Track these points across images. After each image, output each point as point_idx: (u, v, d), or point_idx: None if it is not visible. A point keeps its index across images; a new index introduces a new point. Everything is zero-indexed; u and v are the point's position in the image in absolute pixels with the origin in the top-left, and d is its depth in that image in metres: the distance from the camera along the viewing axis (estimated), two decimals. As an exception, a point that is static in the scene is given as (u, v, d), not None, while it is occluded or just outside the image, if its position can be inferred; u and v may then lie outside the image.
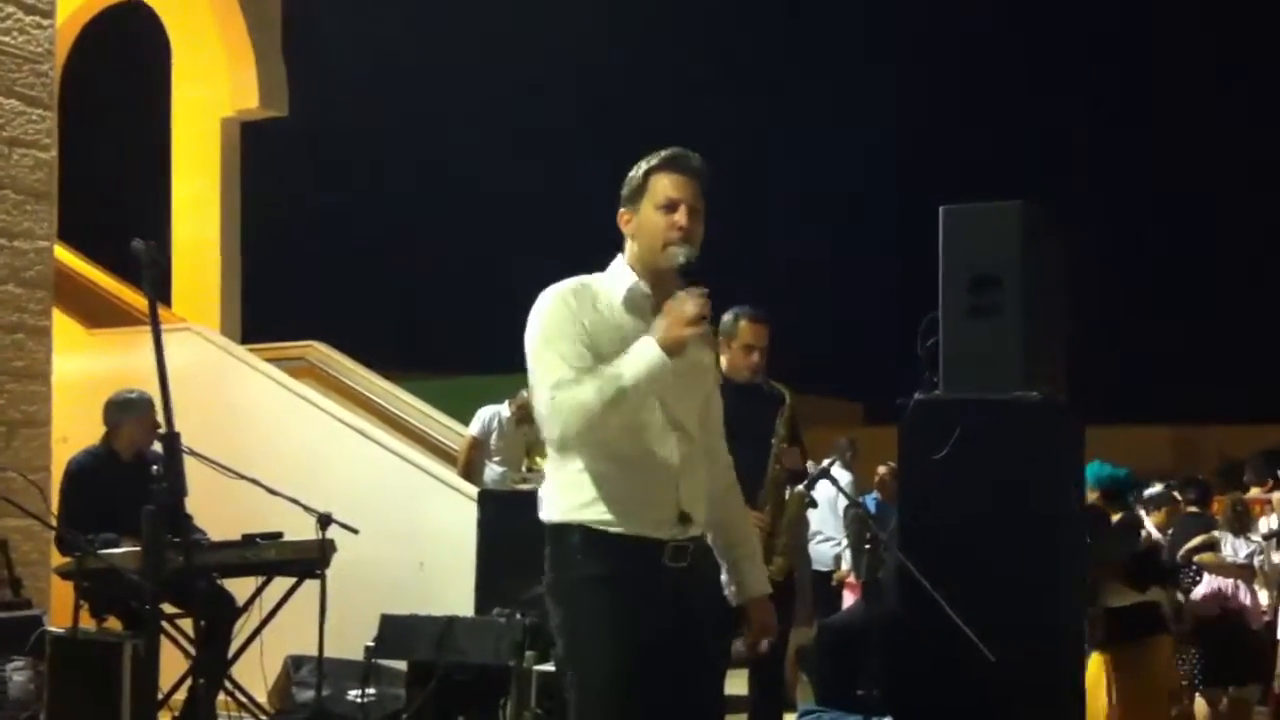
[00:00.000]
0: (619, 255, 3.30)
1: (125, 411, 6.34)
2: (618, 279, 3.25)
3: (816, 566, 9.34)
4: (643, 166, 3.26)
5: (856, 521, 7.23)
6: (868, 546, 5.20)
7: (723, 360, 5.28)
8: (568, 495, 3.17)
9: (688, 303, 3.07)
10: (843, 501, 9.20)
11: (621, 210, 3.27)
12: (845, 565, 9.06)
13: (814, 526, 8.84)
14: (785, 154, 21.66)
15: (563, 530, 3.16)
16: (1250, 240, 26.96)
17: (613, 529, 3.11)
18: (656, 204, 3.20)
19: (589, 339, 3.13)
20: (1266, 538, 8.10)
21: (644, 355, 3.05)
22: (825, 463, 6.40)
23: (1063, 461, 5.13)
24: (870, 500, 9.47)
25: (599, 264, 3.33)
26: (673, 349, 3.05)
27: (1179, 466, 13.26)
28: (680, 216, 3.18)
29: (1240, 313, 26.87)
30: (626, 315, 3.21)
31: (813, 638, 6.67)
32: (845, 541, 8.82)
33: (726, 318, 5.31)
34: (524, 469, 9.31)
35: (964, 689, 4.68)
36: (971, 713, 4.78)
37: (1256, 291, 26.37)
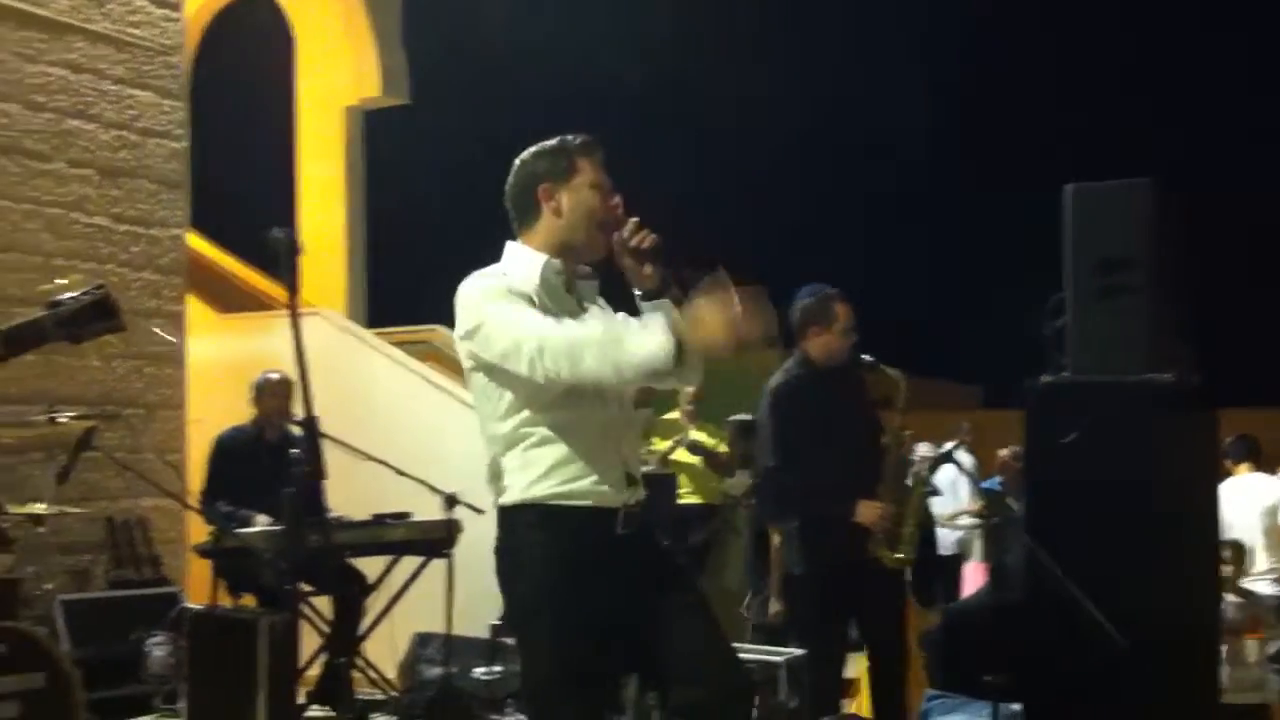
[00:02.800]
0: (513, 244, 3.27)
1: (269, 392, 6.54)
2: (521, 263, 3.22)
3: (939, 551, 9.27)
4: (561, 145, 3.23)
5: (984, 506, 7.16)
6: (995, 531, 5.14)
7: (815, 345, 5.17)
8: (518, 476, 3.17)
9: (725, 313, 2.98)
10: (964, 485, 9.12)
11: (543, 184, 3.22)
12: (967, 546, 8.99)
13: (935, 510, 8.77)
14: (902, 133, 21.40)
15: (517, 511, 3.17)
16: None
17: (567, 502, 3.12)
18: (589, 184, 3.20)
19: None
20: None
21: (653, 324, 3.01)
22: (948, 446, 6.33)
23: (1195, 445, 5.00)
24: (993, 484, 9.36)
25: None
26: (692, 347, 3.01)
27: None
28: (614, 199, 3.19)
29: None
30: (546, 299, 3.18)
31: (936, 623, 6.61)
32: (967, 525, 8.73)
33: (813, 303, 5.17)
34: (643, 449, 9.37)
35: (1094, 676, 4.61)
36: (1101, 701, 4.71)
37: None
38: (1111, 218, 5.00)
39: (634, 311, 3.19)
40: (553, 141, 3.27)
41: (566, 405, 3.13)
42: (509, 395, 3.18)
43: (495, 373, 3.18)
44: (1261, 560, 7.30)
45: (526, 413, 3.16)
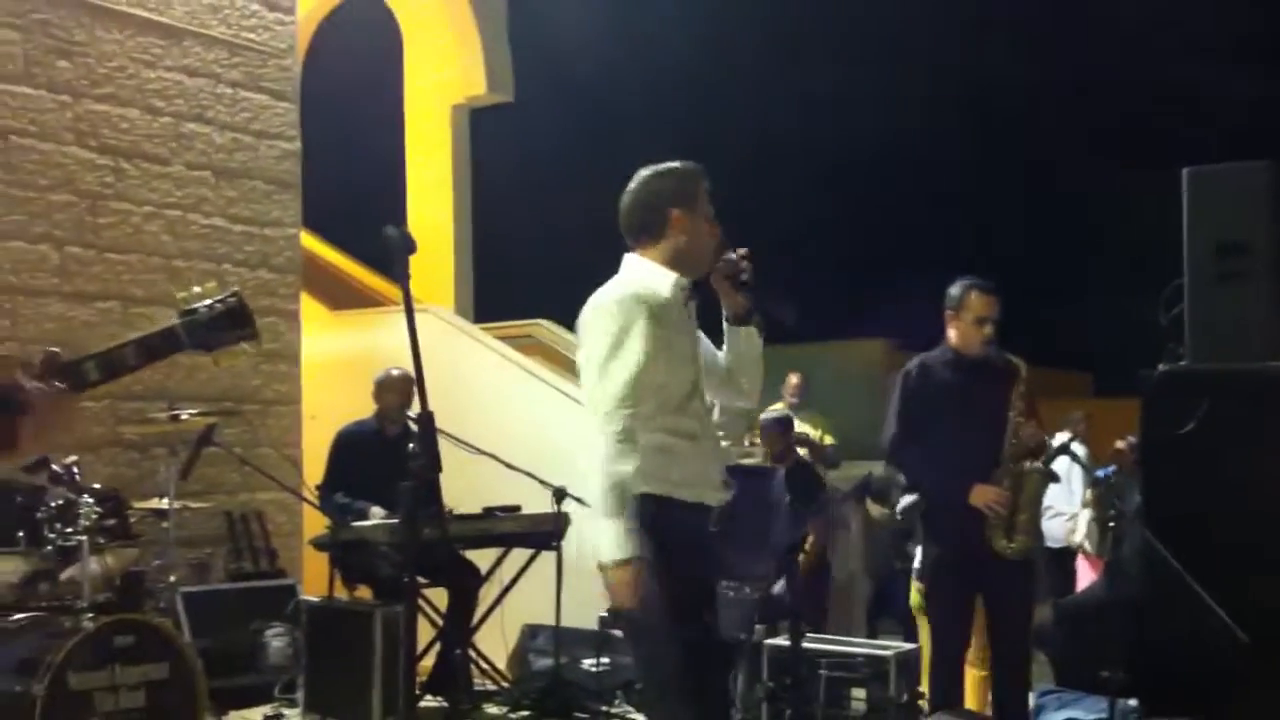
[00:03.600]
0: (635, 256, 3.42)
1: (389, 388, 6.65)
2: (653, 280, 3.37)
3: (1049, 543, 9.11)
4: (687, 170, 3.41)
5: (1099, 498, 7.03)
6: (1110, 524, 5.04)
7: (952, 334, 5.23)
8: (631, 466, 3.27)
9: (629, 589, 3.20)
10: (1078, 477, 8.96)
11: (676, 210, 3.37)
12: (1079, 539, 8.82)
13: (1046, 502, 8.63)
14: (1010, 119, 21.08)
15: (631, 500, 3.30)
16: None
17: (674, 494, 3.30)
18: (707, 216, 3.40)
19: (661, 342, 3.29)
20: None
21: (614, 541, 3.20)
22: (1063, 437, 6.23)
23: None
24: (1106, 474, 9.17)
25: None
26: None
27: None
28: (717, 232, 3.42)
29: None
30: (678, 308, 3.37)
31: (1049, 616, 6.51)
32: (1082, 517, 8.57)
33: (954, 290, 5.23)
34: (746, 443, 9.35)
35: (1213, 672, 4.50)
36: (1221, 697, 4.60)
37: None
38: (1229, 201, 4.87)
39: (718, 328, 3.50)
40: (677, 164, 3.44)
41: (681, 411, 3.34)
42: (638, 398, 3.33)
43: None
44: None
45: (649, 415, 3.31)
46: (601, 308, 3.35)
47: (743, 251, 3.38)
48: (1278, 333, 4.78)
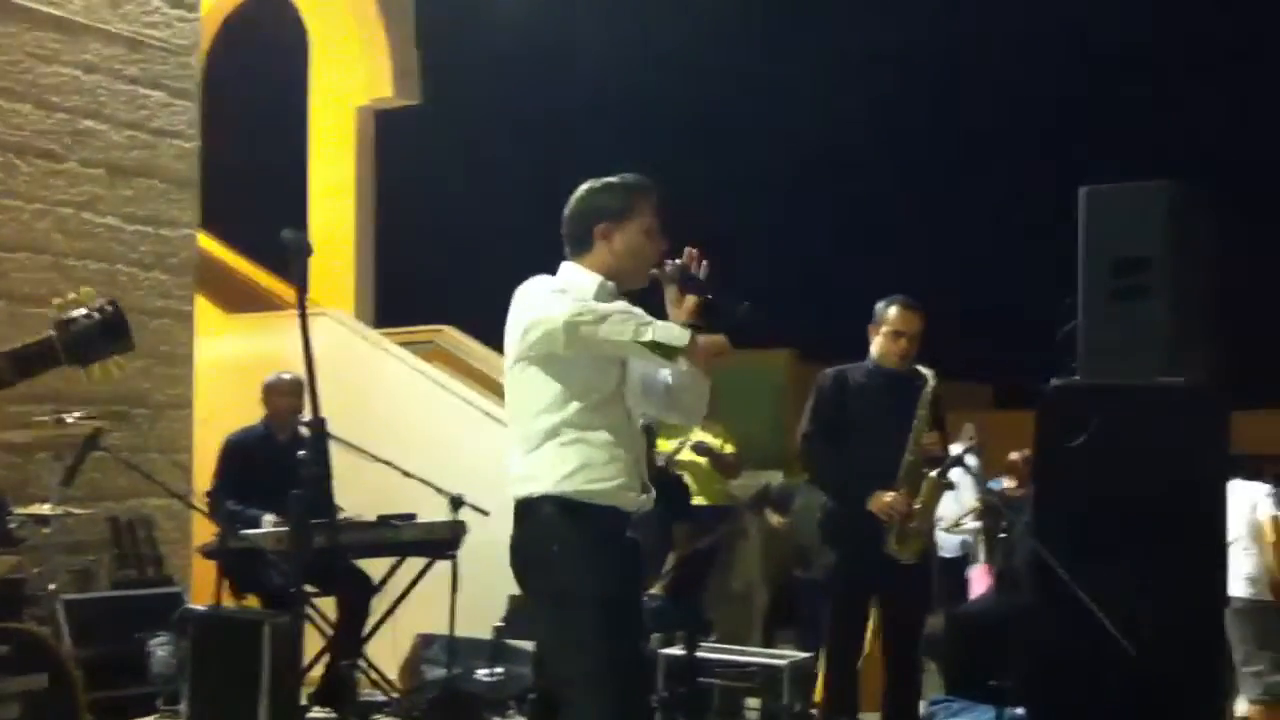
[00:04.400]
0: (571, 264, 3.47)
1: (279, 393, 6.53)
2: (577, 282, 3.42)
3: (942, 553, 9.21)
4: (624, 185, 3.45)
5: (990, 510, 7.12)
6: (1001, 535, 5.11)
7: (873, 347, 5.33)
8: (550, 470, 3.31)
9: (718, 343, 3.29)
10: (970, 487, 9.07)
11: (604, 224, 3.42)
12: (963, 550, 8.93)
13: (939, 512, 8.73)
14: (922, 136, 21.37)
15: (543, 502, 3.31)
16: None
17: (593, 501, 3.29)
18: (644, 229, 3.42)
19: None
20: None
21: (675, 334, 3.23)
22: (959, 448, 6.31)
23: (1207, 450, 4.96)
24: (1000, 486, 9.29)
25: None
26: (692, 354, 3.27)
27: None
28: (662, 244, 3.43)
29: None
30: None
31: (941, 626, 6.57)
32: (974, 528, 8.68)
33: (879, 305, 5.38)
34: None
35: (1101, 682, 4.57)
36: (1108, 707, 4.67)
37: None
38: (1125, 219, 4.97)
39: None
40: (615, 179, 3.47)
41: (604, 409, 3.33)
42: (556, 389, 3.32)
43: (551, 366, 3.32)
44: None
45: (568, 411, 3.31)
46: (526, 294, 3.38)
47: (693, 251, 3.37)
48: (1169, 349, 4.87)
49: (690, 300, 3.36)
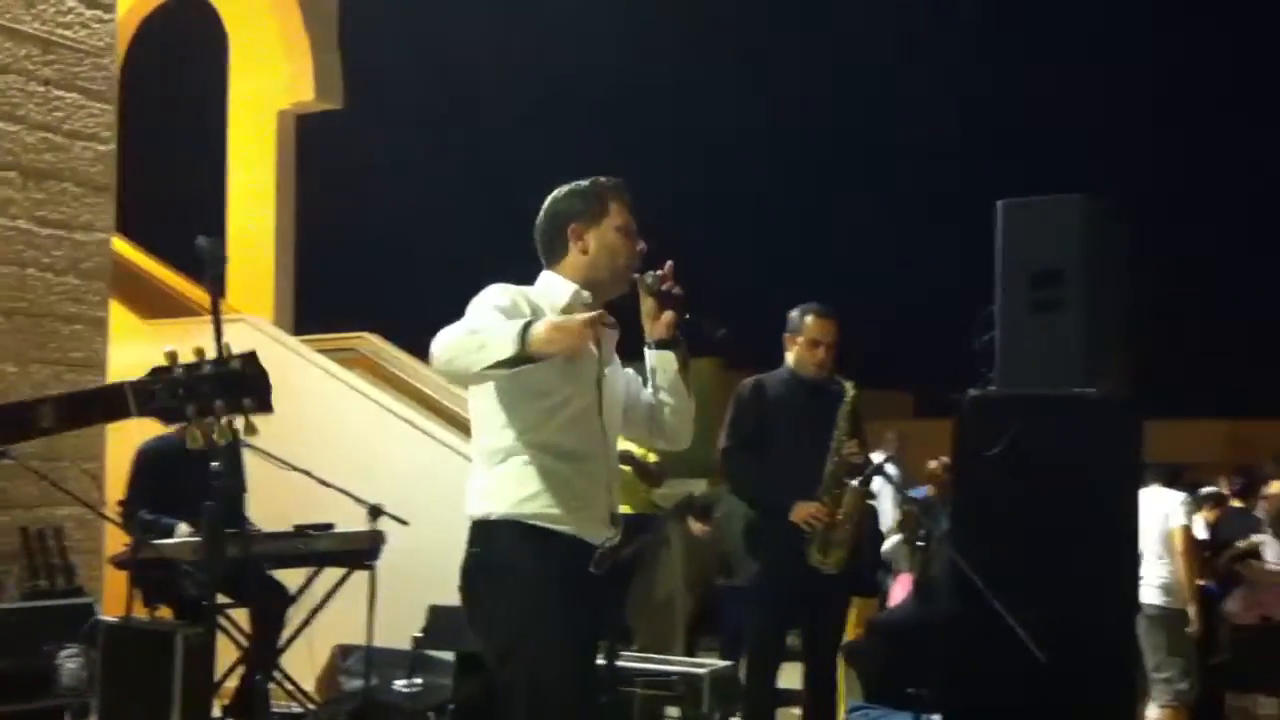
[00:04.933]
0: (546, 272, 3.35)
1: None
2: (553, 290, 3.29)
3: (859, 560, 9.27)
4: (594, 186, 3.34)
5: (909, 518, 7.17)
6: (921, 543, 5.15)
7: (789, 356, 5.34)
8: (506, 491, 3.18)
9: (580, 318, 2.99)
10: (889, 495, 9.15)
11: (574, 224, 3.31)
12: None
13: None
14: (840, 146, 21.55)
15: (499, 526, 3.17)
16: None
17: (552, 525, 3.14)
18: (616, 226, 3.30)
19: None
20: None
21: (509, 331, 2.93)
22: (879, 457, 6.36)
23: (1121, 458, 5.04)
24: (921, 494, 9.39)
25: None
26: (539, 348, 2.90)
27: (1234, 461, 13.07)
28: (639, 242, 3.31)
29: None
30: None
31: (862, 633, 6.62)
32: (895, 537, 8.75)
33: (794, 314, 5.38)
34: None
35: (1016, 689, 4.61)
36: (1022, 713, 4.71)
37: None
38: (1043, 232, 5.03)
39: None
40: (585, 182, 3.36)
41: (568, 430, 3.18)
42: (516, 407, 3.19)
43: (501, 383, 3.17)
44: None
45: (530, 430, 3.18)
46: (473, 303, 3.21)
47: (670, 265, 3.27)
48: (1087, 360, 4.93)
49: (668, 316, 3.27)
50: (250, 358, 2.12)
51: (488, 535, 3.19)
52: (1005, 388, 5.04)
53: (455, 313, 3.21)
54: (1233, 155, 25.78)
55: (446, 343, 3.00)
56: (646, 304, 3.29)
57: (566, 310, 3.20)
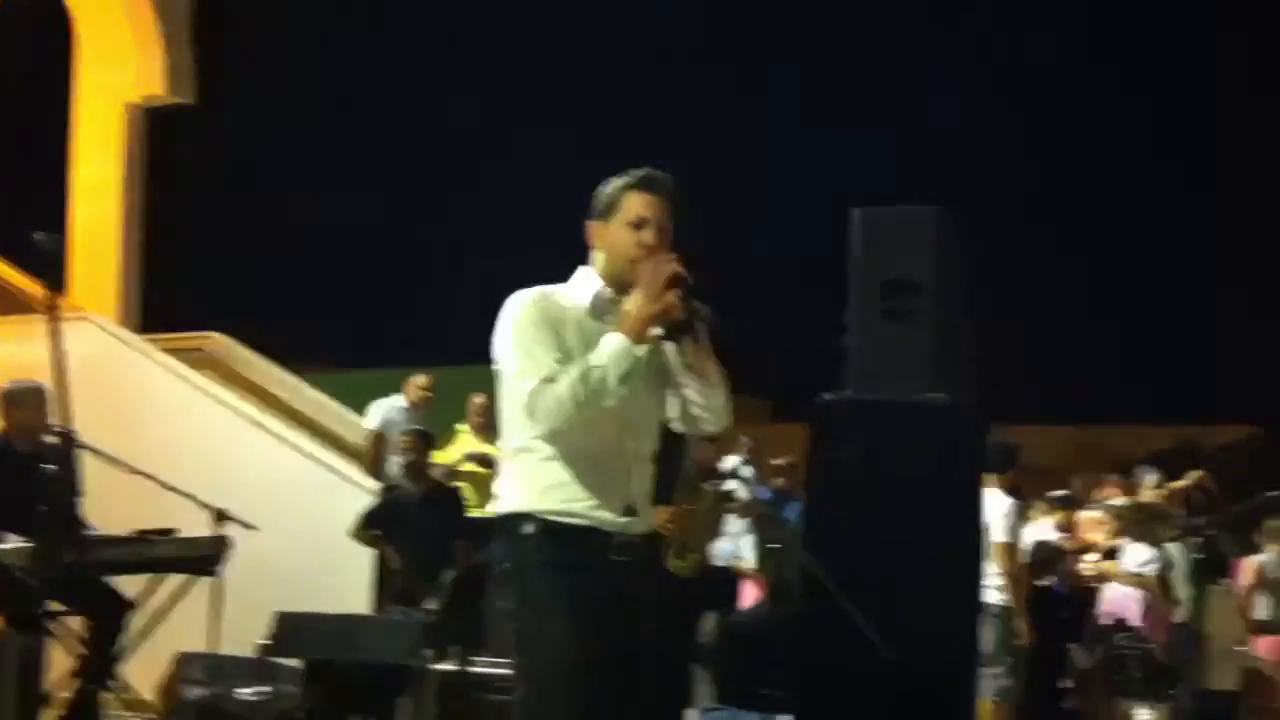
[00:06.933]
0: (582, 268, 3.41)
1: (17, 403, 6.13)
2: (583, 287, 3.37)
3: (714, 562, 9.31)
4: (616, 183, 3.38)
5: (762, 521, 7.24)
6: (772, 545, 5.20)
7: None
8: (522, 486, 3.27)
9: (662, 266, 3.15)
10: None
11: (590, 223, 3.39)
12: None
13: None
14: (699, 151, 21.76)
15: (517, 520, 3.25)
16: (1177, 241, 27.78)
17: (564, 519, 3.22)
18: (627, 221, 3.32)
19: (558, 342, 3.25)
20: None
21: (611, 347, 3.16)
22: (731, 461, 6.41)
23: (966, 462, 5.16)
24: (769, 492, 9.45)
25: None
26: (637, 330, 3.15)
27: (1079, 466, 13.53)
28: (648, 234, 3.30)
29: (1143, 314, 27.71)
30: (592, 321, 3.32)
31: (713, 634, 6.65)
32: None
33: None
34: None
35: (866, 689, 4.68)
36: (873, 713, 4.79)
37: (1166, 295, 27.20)
38: (896, 241, 5.12)
39: None
40: (616, 178, 3.38)
41: (585, 430, 3.21)
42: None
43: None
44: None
45: (544, 427, 3.22)
46: (504, 310, 3.28)
47: (666, 254, 3.26)
48: (937, 367, 5.04)
49: (669, 298, 3.19)
50: None
51: (508, 529, 3.28)
52: (858, 393, 5.12)
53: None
54: (1076, 166, 26.68)
55: (561, 400, 3.14)
56: (645, 287, 3.23)
57: (591, 311, 3.32)
